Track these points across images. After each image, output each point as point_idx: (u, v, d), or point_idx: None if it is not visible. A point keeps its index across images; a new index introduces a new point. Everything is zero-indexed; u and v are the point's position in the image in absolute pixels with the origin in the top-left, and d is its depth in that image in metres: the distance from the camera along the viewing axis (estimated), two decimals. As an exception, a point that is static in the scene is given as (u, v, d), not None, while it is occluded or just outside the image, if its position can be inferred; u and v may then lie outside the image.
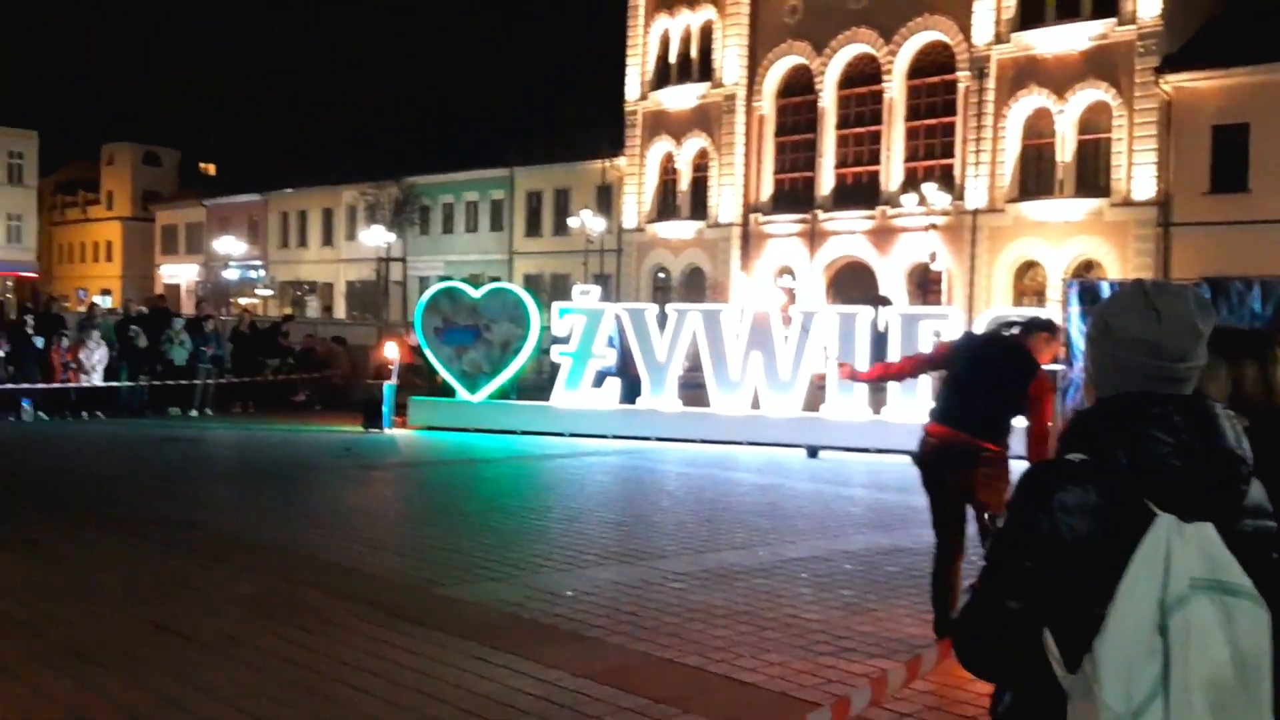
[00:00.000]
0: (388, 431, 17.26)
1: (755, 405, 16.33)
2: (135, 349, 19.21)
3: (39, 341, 18.08)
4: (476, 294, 18.36)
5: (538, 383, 19.09)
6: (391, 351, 18.03)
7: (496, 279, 33.24)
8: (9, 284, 53.45)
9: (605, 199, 48.26)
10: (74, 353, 18.36)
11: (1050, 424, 6.12)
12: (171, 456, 14.42)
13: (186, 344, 19.65)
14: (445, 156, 53.73)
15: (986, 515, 5.95)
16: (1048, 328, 6.32)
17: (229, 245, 61.20)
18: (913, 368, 7.21)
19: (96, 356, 18.52)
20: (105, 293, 67.34)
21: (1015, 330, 6.30)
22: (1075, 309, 14.84)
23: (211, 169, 73.45)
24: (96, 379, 18.48)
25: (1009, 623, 1.91)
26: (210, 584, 7.26)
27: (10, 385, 17.49)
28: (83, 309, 30.02)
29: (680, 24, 45.72)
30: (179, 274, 68.67)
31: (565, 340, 17.36)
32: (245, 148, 70.08)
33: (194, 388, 19.69)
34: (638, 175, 47.18)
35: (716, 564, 8.25)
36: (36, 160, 63.96)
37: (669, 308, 17.35)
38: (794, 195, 43.31)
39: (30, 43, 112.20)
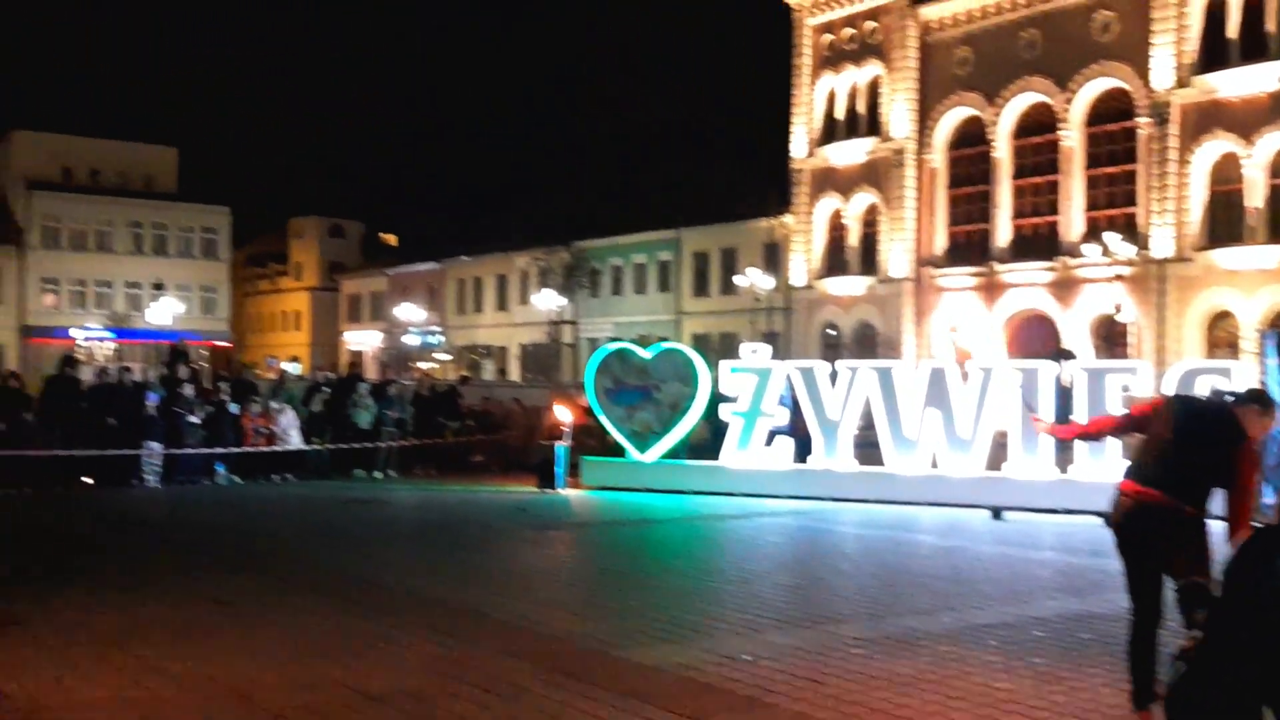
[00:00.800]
0: (561, 491, 17.43)
1: (934, 464, 15.91)
2: (322, 414, 19.95)
3: (233, 407, 18.93)
4: (646, 354, 18.48)
5: (708, 442, 19.01)
6: (564, 413, 18.26)
7: (665, 339, 33.46)
8: (205, 353, 56.40)
9: (772, 257, 48.21)
10: (265, 418, 19.17)
11: (1252, 494, 5.83)
12: (355, 518, 14.83)
13: (371, 408, 20.32)
14: (613, 220, 54.69)
15: (1185, 580, 5.62)
16: (1261, 401, 6.02)
17: (409, 312, 63.33)
18: (1112, 429, 6.91)
19: (286, 421, 19.29)
20: (294, 360, 70.33)
21: (1227, 398, 6.12)
22: (1273, 361, 14.05)
23: (392, 239, 76.32)
24: (288, 443, 19.22)
25: (1229, 695, 1.77)
26: (394, 644, 7.37)
27: (206, 450, 18.34)
28: (273, 376, 31.41)
29: (846, 80, 45.60)
30: (363, 340, 71.33)
31: (735, 399, 17.28)
32: (424, 218, 72.60)
33: (378, 450, 20.30)
34: (805, 232, 47.01)
35: (899, 629, 7.99)
36: (229, 235, 67.49)
37: (841, 365, 17.11)
38: (969, 248, 42.46)
39: (224, 124, 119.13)
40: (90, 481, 17.22)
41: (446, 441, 21.78)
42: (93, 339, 58.43)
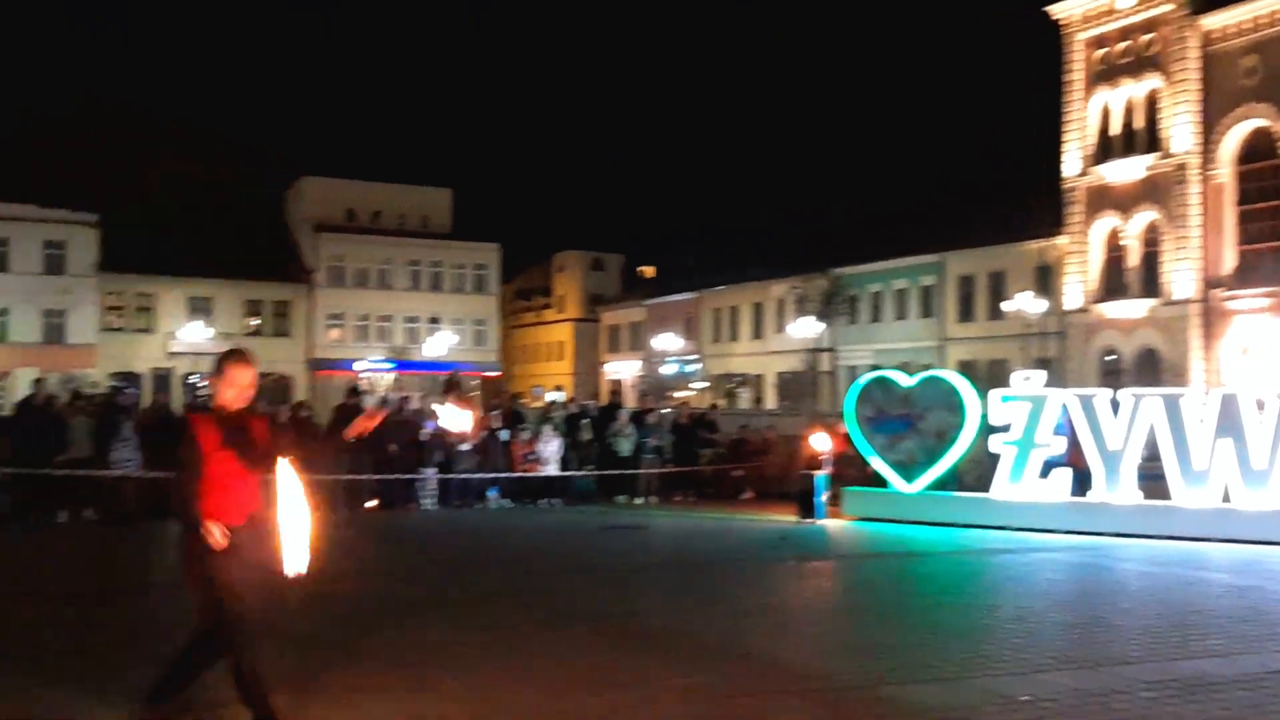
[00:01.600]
0: (821, 522, 17.17)
1: (1225, 498, 14.78)
2: (585, 441, 20.43)
3: (504, 434, 19.63)
4: (909, 382, 18.01)
5: (977, 473, 18.33)
6: (823, 441, 17.99)
7: (929, 366, 32.55)
8: (475, 383, 58.83)
9: (1044, 280, 46.26)
10: (532, 445, 19.79)
11: None
12: (618, 546, 15.02)
13: (631, 436, 20.66)
14: (873, 245, 53.82)
15: None
16: None
17: (667, 341, 64.23)
18: None
19: (552, 448, 19.85)
20: (557, 389, 72.50)
21: None
22: None
23: (650, 271, 77.75)
24: (552, 469, 19.78)
25: None
26: (655, 678, 7.33)
27: (479, 474, 19.08)
28: (539, 405, 32.40)
29: (1122, 95, 43.44)
30: (622, 370, 72.86)
31: (1006, 429, 16.60)
32: (681, 249, 73.51)
33: (638, 477, 20.60)
34: (1080, 253, 44.91)
35: (1191, 673, 7.40)
36: (499, 270, 70.36)
37: (1123, 393, 16.17)
38: (1262, 267, 39.51)
39: (495, 163, 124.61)
40: (375, 504, 18.18)
41: (705, 469, 21.89)
42: (375, 370, 61.98)
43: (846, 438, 18.86)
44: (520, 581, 11.43)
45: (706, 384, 64.38)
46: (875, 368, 27.75)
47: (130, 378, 54.03)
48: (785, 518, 17.64)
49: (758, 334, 63.23)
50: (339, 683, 6.97)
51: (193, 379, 55.10)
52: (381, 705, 6.52)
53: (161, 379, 56.26)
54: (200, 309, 60.71)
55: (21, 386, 39.83)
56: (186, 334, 57.75)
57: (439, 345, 62.35)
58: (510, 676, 7.24)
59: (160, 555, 13.71)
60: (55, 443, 16.59)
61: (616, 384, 68.04)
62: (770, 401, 59.65)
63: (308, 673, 7.00)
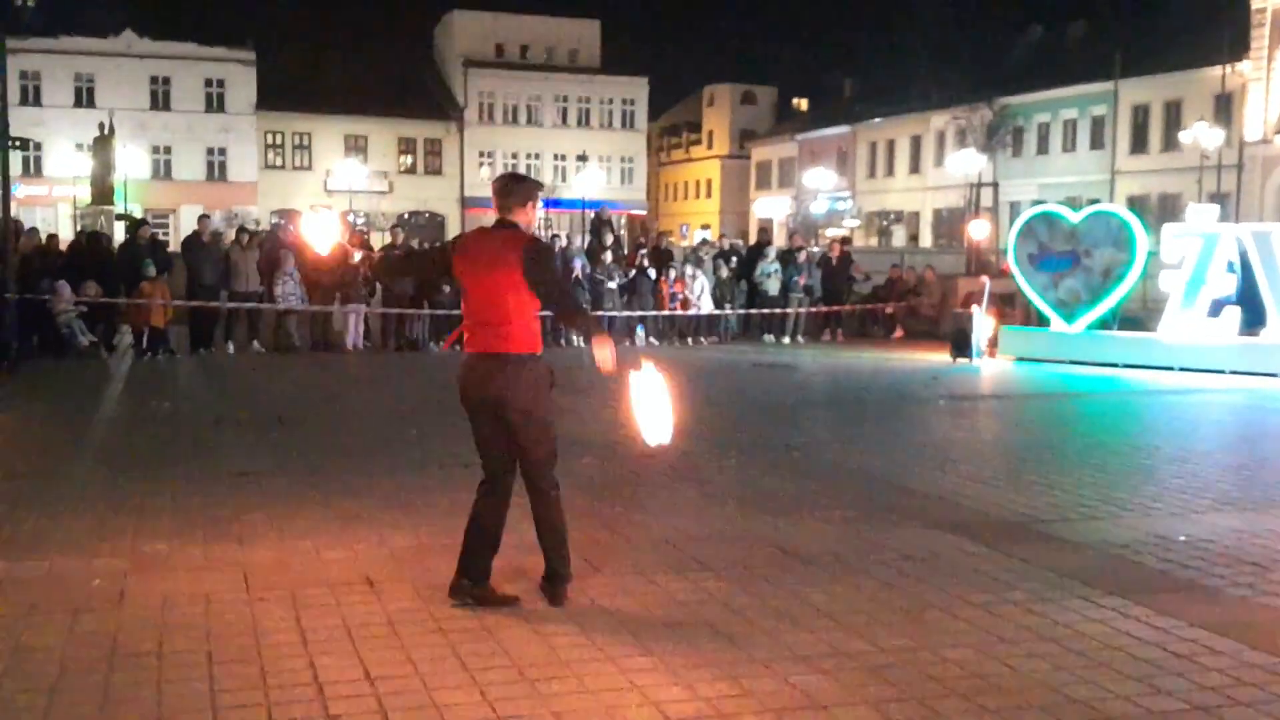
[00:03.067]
0: (977, 362, 16.88)
1: None
2: (733, 279, 20.36)
3: (651, 273, 19.67)
4: (1075, 218, 17.33)
5: (1142, 312, 17.72)
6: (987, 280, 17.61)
7: (1096, 201, 31.22)
8: (623, 221, 58.89)
9: (1224, 109, 43.52)
10: (681, 283, 19.81)
11: None
12: (769, 383, 15.08)
13: (779, 274, 20.49)
14: (1041, 73, 51.25)
15: None
16: None
17: (819, 178, 62.93)
18: None
19: (700, 287, 19.84)
20: (705, 227, 72.10)
21: None
22: None
23: (804, 104, 75.75)
24: (700, 308, 19.81)
25: None
26: (814, 505, 7.45)
27: (627, 313, 19.24)
28: (687, 244, 32.31)
29: (1319, -97, 39.91)
30: (772, 208, 71.84)
31: (1177, 266, 15.92)
32: (837, 81, 71.29)
33: (786, 316, 20.51)
34: (1264, 81, 42.02)
35: (1364, 519, 7.17)
36: (646, 105, 69.47)
37: (1303, 227, 15.30)
38: None
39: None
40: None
41: (854, 309, 21.66)
42: (524, 208, 62.45)
43: (1009, 276, 18.36)
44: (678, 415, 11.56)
45: (859, 221, 63.14)
46: (1040, 203, 26.77)
47: (290, 215, 55.85)
48: (939, 357, 17.42)
49: (915, 169, 61.38)
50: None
51: (350, 216, 56.54)
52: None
53: (321, 216, 57.78)
54: (355, 147, 61.81)
55: (187, 222, 41.41)
56: (342, 171, 59.00)
57: (587, 183, 62.41)
58: (672, 505, 7.42)
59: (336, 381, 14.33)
60: (222, 277, 17.29)
61: (766, 222, 67.22)
62: (926, 239, 58.28)
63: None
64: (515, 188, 5.41)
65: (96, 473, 8.26)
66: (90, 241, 18.59)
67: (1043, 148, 53.56)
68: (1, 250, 15.03)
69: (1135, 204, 42.02)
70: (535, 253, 5.25)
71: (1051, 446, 10.31)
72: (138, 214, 36.99)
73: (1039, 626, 5.12)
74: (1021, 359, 17.06)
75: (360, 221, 52.14)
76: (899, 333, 21.58)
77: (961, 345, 17.12)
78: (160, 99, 58.12)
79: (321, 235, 6.24)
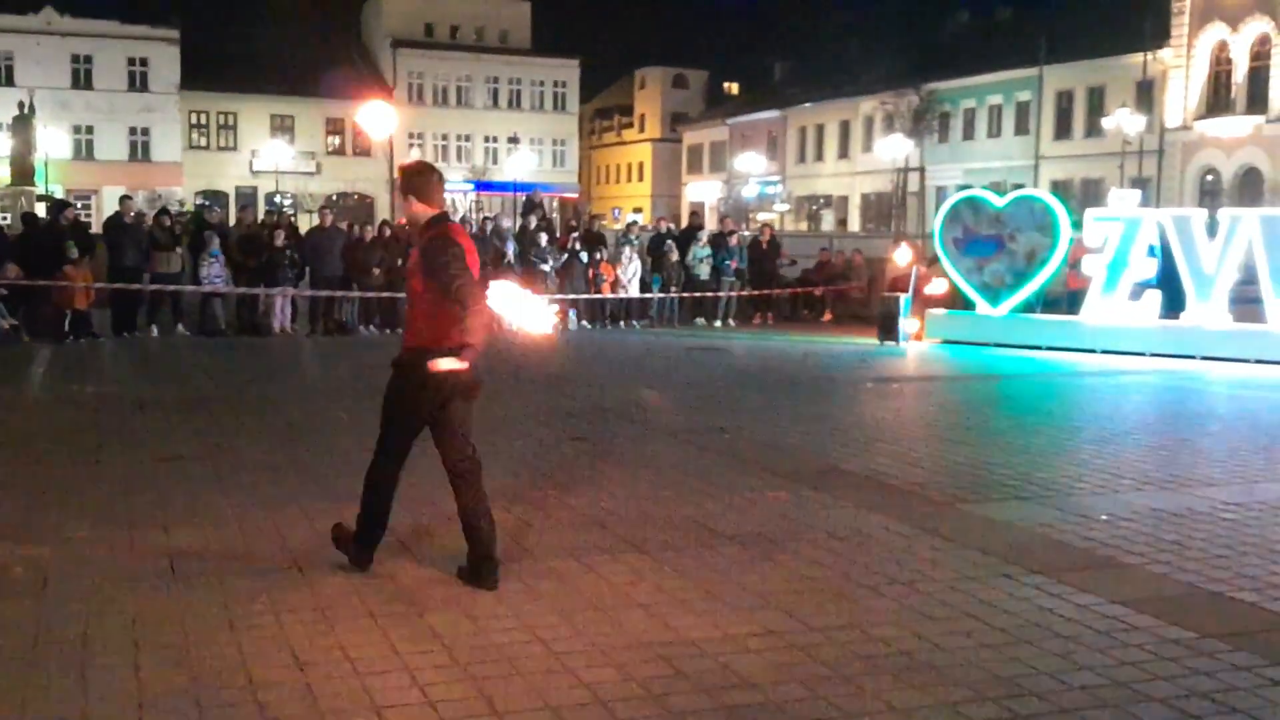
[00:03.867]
0: (903, 345, 17.09)
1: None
2: (665, 263, 20.39)
3: (584, 256, 19.64)
4: (1000, 202, 17.59)
5: (1064, 296, 18.05)
6: (905, 258, 17.78)
7: (1021, 186, 31.73)
8: (554, 204, 58.63)
9: (1145, 96, 44.40)
10: (609, 267, 19.80)
11: None
12: (700, 366, 15.15)
13: (710, 258, 20.56)
14: (967, 58, 51.88)
15: None
16: None
17: (749, 162, 63.21)
18: None
19: (632, 270, 19.86)
20: (637, 210, 72.10)
21: None
22: None
23: (735, 88, 75.97)
24: (632, 291, 19.83)
25: None
26: (742, 487, 7.51)
27: (559, 296, 19.19)
28: (618, 227, 32.28)
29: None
30: (703, 191, 72.06)
31: (1099, 250, 16.23)
32: (767, 65, 71.56)
33: (718, 300, 20.60)
34: (1184, 67, 42.95)
35: (1277, 496, 7.37)
36: (578, 88, 69.23)
37: (1221, 212, 15.65)
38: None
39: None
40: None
41: (784, 293, 21.81)
42: (455, 191, 61.99)
43: (934, 259, 18.60)
44: (606, 399, 11.61)
45: (789, 206, 63.53)
46: (966, 187, 27.14)
47: (216, 196, 54.84)
48: (866, 340, 17.60)
49: (844, 154, 61.89)
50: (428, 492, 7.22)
51: (276, 198, 55.69)
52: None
53: (247, 197, 56.87)
54: (282, 127, 60.88)
55: (110, 204, 40.54)
56: (269, 152, 58.06)
57: (518, 165, 62.05)
58: (597, 484, 7.45)
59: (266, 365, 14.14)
60: (144, 259, 16.96)
61: (697, 206, 67.42)
62: (855, 224, 58.80)
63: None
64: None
65: (18, 458, 8.08)
66: (27, 223, 18.18)
67: (969, 133, 54.28)
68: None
69: (1059, 189, 42.79)
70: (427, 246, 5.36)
71: (976, 427, 10.48)
72: (59, 195, 36.17)
73: (964, 604, 5.21)
74: (947, 341, 17.29)
75: (288, 203, 51.41)
76: (828, 316, 21.79)
77: (889, 328, 17.31)
78: (81, 78, 56.81)
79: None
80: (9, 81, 54.06)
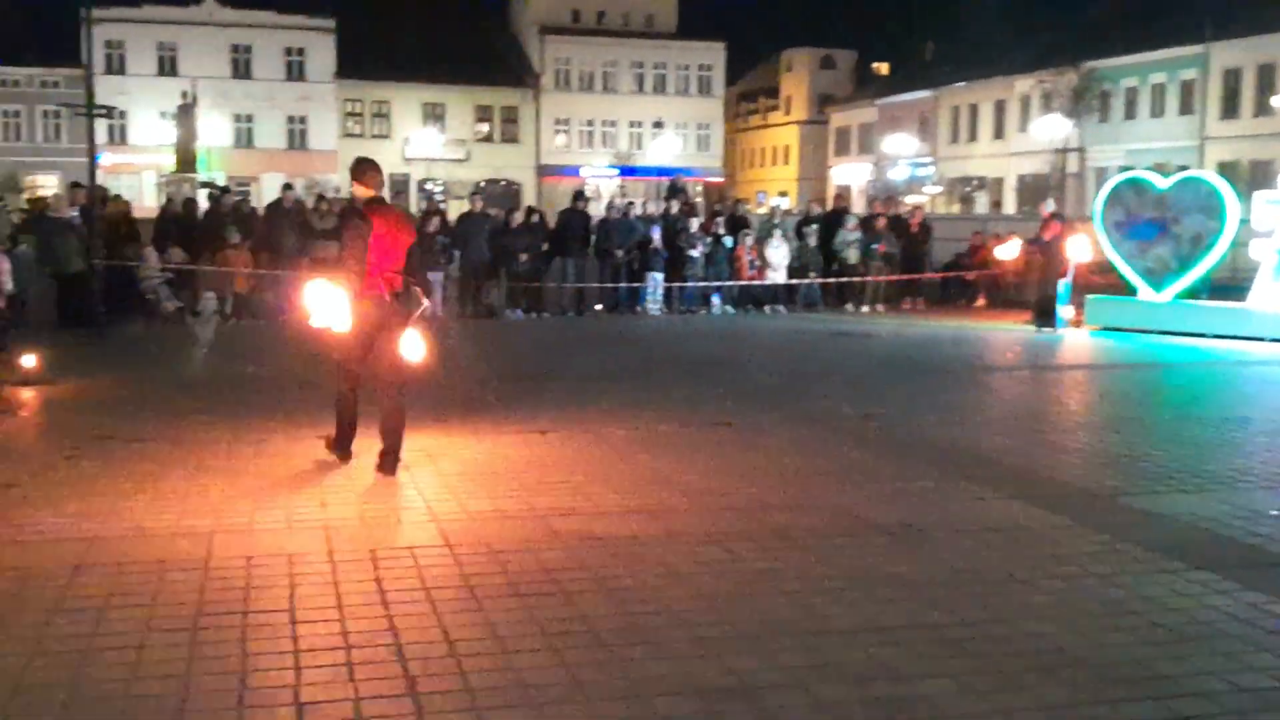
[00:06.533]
0: (1061, 331, 16.57)
1: None
2: (811, 247, 20.15)
3: (728, 241, 19.54)
4: (1164, 184, 16.88)
5: (1233, 282, 17.24)
6: (1011, 256, 17.28)
7: (1185, 167, 30.42)
8: (699, 189, 58.55)
9: (1321, 73, 42.07)
10: (756, 251, 19.64)
11: None
12: (846, 351, 14.93)
13: (858, 242, 20.23)
14: (1129, 36, 49.91)
15: None
16: None
17: (899, 144, 62.08)
18: None
19: (779, 255, 19.66)
20: (782, 194, 71.54)
21: None
22: None
23: (884, 69, 74.64)
24: (779, 276, 19.65)
25: None
26: (892, 476, 7.37)
27: (703, 282, 19.15)
28: (763, 211, 32.08)
29: None
30: (850, 174, 71.07)
31: (1268, 234, 15.46)
32: (919, 44, 70.03)
33: (865, 284, 20.26)
34: (1364, 41, 40.52)
35: None
36: (724, 71, 68.90)
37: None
38: None
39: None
40: (600, 308, 18.57)
41: (935, 277, 21.34)
42: (599, 175, 62.50)
43: (1095, 243, 17.96)
44: (749, 383, 11.55)
45: (940, 188, 62.18)
46: (1127, 169, 26.15)
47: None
48: (1021, 326, 17.14)
49: (999, 134, 60.21)
50: (569, 469, 7.28)
51: (428, 185, 56.90)
52: (610, 495, 6.77)
53: (399, 184, 58.34)
54: (433, 115, 62.18)
55: (268, 190, 42.02)
56: (420, 140, 59.36)
57: (662, 150, 62.17)
58: (746, 470, 7.40)
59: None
60: (302, 244, 17.47)
61: (844, 189, 66.55)
62: (1010, 206, 57.23)
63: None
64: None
65: (181, 436, 8.43)
66: (189, 208, 18.95)
67: (1130, 112, 52.25)
68: (89, 217, 15.37)
69: (1226, 170, 40.82)
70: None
71: (1138, 418, 10.09)
72: (220, 181, 37.62)
73: (1124, 600, 5.03)
74: (1107, 329, 16.70)
75: (439, 190, 52.52)
76: (981, 301, 21.23)
77: (1045, 314, 16.81)
78: (241, 67, 58.97)
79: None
80: (173, 72, 56.45)
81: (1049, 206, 18.48)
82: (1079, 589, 5.17)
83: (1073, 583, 5.25)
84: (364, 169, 7.30)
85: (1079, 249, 16.82)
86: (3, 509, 6.31)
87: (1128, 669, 4.28)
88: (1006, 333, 16.73)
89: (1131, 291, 16.92)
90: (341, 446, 7.52)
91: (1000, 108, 59.91)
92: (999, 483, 7.21)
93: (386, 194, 7.62)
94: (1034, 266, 18.18)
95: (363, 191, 7.27)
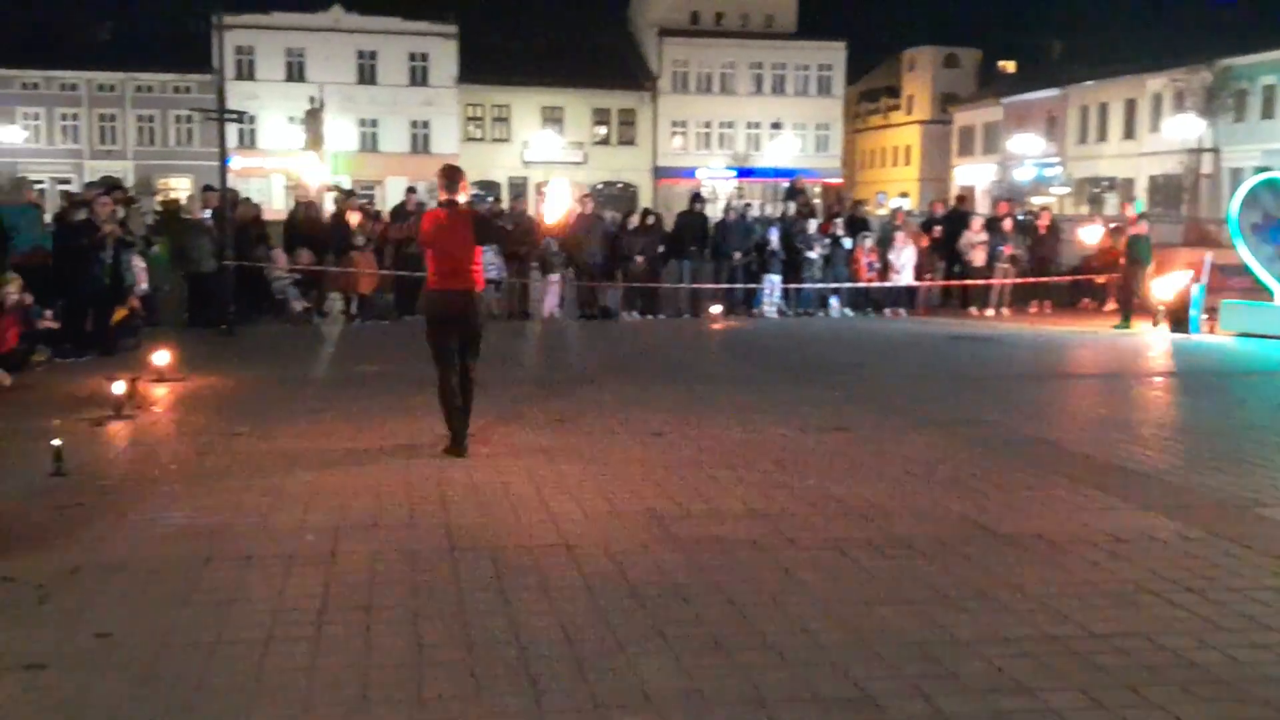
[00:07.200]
0: (1195, 337, 16.01)
1: None
2: (929, 249, 19.78)
3: (847, 243, 19.29)
4: (1305, 184, 16.21)
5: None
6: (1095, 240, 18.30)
7: (1327, 167, 29.17)
8: (817, 190, 58.00)
9: None
10: (875, 253, 19.35)
11: None
12: (970, 356, 14.63)
13: (980, 243, 19.80)
14: (1265, 33, 48.02)
15: None
16: None
17: (1025, 143, 60.69)
18: None
19: (903, 257, 19.35)
20: (903, 195, 70.48)
21: None
22: None
23: (1010, 66, 73.06)
24: (905, 278, 19.33)
25: None
26: (1017, 484, 7.20)
27: (821, 284, 18.96)
28: (883, 212, 31.61)
29: None
30: (974, 175, 69.71)
31: None
32: (1046, 42, 68.38)
33: (990, 287, 19.84)
34: None
35: None
36: (844, 71, 68.12)
37: None
38: None
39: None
40: (718, 310, 18.53)
41: (1063, 280, 20.79)
42: (716, 177, 62.35)
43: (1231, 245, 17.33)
44: (867, 387, 11.40)
45: (1068, 189, 60.63)
46: (1264, 169, 25.18)
47: (489, 186, 57.18)
48: (1155, 331, 16.63)
49: (1129, 134, 58.46)
50: (689, 475, 7.27)
51: (545, 188, 57.37)
52: (727, 500, 6.74)
53: (518, 187, 59.09)
54: (551, 118, 62.78)
55: (392, 194, 42.86)
56: (539, 143, 59.96)
57: (780, 151, 61.75)
58: (865, 474, 7.31)
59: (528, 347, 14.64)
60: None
61: (967, 189, 65.34)
62: (1142, 208, 55.48)
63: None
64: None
65: (306, 433, 8.64)
66: (315, 212, 19.43)
67: (1268, 111, 50.24)
68: (221, 219, 15.85)
69: (1372, 169, 39.00)
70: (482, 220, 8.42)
71: (1275, 427, 9.69)
72: (346, 185, 38.55)
73: (1262, 615, 4.84)
74: (1243, 334, 16.09)
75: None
76: (1111, 304, 20.62)
77: (1180, 319, 16.27)
78: (367, 73, 60.32)
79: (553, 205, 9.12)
80: (300, 77, 58.03)
81: (1137, 207, 18.29)
82: (1214, 603, 4.98)
83: (1207, 596, 5.07)
84: (441, 178, 8.21)
85: (1088, 235, 17.75)
86: (136, 501, 6.54)
87: (1265, 687, 4.11)
88: (1138, 337, 16.24)
89: (1270, 297, 16.28)
90: (456, 441, 7.90)
91: (1131, 107, 58.16)
92: (1130, 491, 6.99)
93: (504, 194, 8.33)
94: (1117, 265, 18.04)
95: (442, 196, 8.16)
